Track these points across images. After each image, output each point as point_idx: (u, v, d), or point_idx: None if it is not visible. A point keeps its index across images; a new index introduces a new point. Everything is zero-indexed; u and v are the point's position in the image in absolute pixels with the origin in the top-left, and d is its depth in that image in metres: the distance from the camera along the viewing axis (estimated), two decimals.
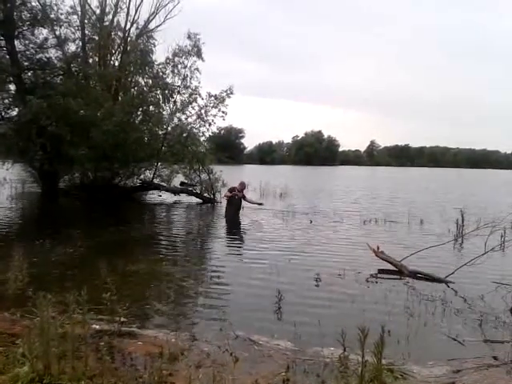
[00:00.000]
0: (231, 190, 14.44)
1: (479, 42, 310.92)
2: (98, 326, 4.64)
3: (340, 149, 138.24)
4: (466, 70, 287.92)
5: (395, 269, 7.73)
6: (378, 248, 8.13)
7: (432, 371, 4.04)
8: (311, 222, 13.43)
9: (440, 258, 8.68)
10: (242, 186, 14.74)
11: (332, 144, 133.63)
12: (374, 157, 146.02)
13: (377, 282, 7.18)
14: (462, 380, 3.89)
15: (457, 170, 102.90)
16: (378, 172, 75.15)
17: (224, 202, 16.23)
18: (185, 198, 19.66)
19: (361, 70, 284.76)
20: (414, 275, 7.42)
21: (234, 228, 13.15)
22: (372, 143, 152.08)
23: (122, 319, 4.73)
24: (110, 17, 20.96)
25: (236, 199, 14.22)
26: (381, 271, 7.74)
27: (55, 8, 18.45)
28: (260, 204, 15.01)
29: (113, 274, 5.83)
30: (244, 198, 14.50)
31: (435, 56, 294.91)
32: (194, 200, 19.29)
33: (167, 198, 19.95)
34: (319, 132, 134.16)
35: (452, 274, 7.17)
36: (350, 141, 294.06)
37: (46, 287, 4.98)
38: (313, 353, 4.29)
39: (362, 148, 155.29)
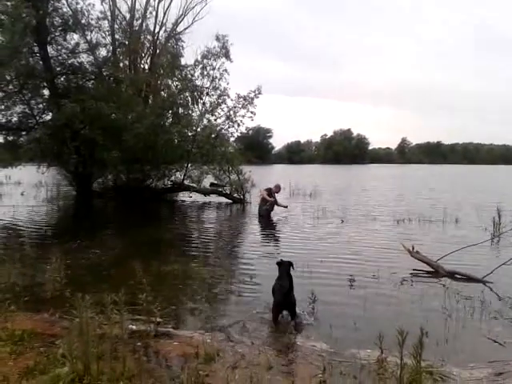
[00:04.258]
0: (268, 190, 14.71)
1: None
2: (134, 327, 4.70)
3: (370, 147, 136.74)
4: (497, 65, 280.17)
5: (431, 269, 7.58)
6: (412, 248, 7.99)
7: (473, 373, 3.94)
8: (342, 221, 13.28)
9: (477, 257, 8.44)
10: (278, 188, 15.32)
11: (361, 142, 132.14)
12: (405, 154, 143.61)
13: (412, 283, 7.04)
14: (505, 383, 3.77)
15: (492, 166, 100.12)
16: (410, 170, 73.83)
17: (254, 202, 16.54)
18: (215, 199, 19.79)
19: (390, 66, 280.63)
20: (451, 275, 7.25)
21: (265, 227, 13.22)
22: (403, 140, 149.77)
23: (158, 320, 4.78)
24: (140, 21, 21.33)
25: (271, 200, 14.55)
26: (416, 271, 7.60)
27: (86, 14, 18.83)
28: (285, 207, 15.11)
29: (147, 275, 5.88)
30: (276, 202, 14.81)
31: (465, 51, 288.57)
32: (224, 200, 19.39)
33: (197, 198, 20.14)
34: (348, 130, 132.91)
35: (490, 273, 6.97)
36: (381, 138, 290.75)
37: (83, 288, 5.09)
38: (349, 355, 4.23)
39: (393, 145, 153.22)
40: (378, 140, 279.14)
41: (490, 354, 4.40)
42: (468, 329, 5.06)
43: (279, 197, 15.62)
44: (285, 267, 5.42)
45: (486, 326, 5.09)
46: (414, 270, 7.66)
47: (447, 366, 4.02)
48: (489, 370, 4.01)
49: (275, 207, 14.91)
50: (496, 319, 5.33)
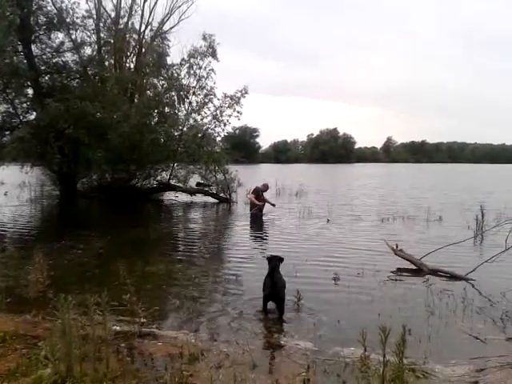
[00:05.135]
0: (255, 191, 14.77)
1: (496, 35, 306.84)
2: (118, 327, 4.66)
3: (356, 146, 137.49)
4: (481, 64, 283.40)
5: (415, 267, 7.65)
6: (396, 246, 8.06)
7: (454, 370, 3.98)
8: (328, 220, 13.32)
9: (460, 255, 8.53)
10: (266, 187, 15.37)
11: (348, 141, 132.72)
12: (390, 153, 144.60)
13: (396, 281, 7.10)
14: (486, 379, 3.82)
15: (476, 165, 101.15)
16: (395, 169, 74.33)
17: (240, 201, 16.66)
18: (201, 199, 19.73)
19: (376, 66, 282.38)
20: (434, 273, 7.33)
21: (251, 227, 13.26)
22: (388, 140, 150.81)
23: (142, 320, 4.76)
24: (125, 20, 21.21)
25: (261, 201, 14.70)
26: (400, 269, 7.66)
27: (71, 12, 18.74)
28: (273, 205, 15.12)
29: (132, 275, 5.84)
30: (265, 202, 14.93)
31: (450, 50, 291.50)
32: (210, 200, 19.35)
33: (183, 198, 20.06)
34: (334, 129, 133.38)
35: (472, 271, 7.04)
36: (366, 138, 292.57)
37: (66, 289, 5.06)
38: (333, 353, 4.25)
39: (379, 145, 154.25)
40: (364, 139, 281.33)
41: (472, 350, 4.46)
42: (450, 326, 5.11)
43: (268, 196, 15.71)
44: (275, 262, 5.42)
45: (468, 323, 5.15)
46: (397, 268, 7.72)
47: (429, 363, 4.06)
48: (470, 367, 4.05)
49: (267, 205, 15.00)
50: (478, 316, 5.39)
